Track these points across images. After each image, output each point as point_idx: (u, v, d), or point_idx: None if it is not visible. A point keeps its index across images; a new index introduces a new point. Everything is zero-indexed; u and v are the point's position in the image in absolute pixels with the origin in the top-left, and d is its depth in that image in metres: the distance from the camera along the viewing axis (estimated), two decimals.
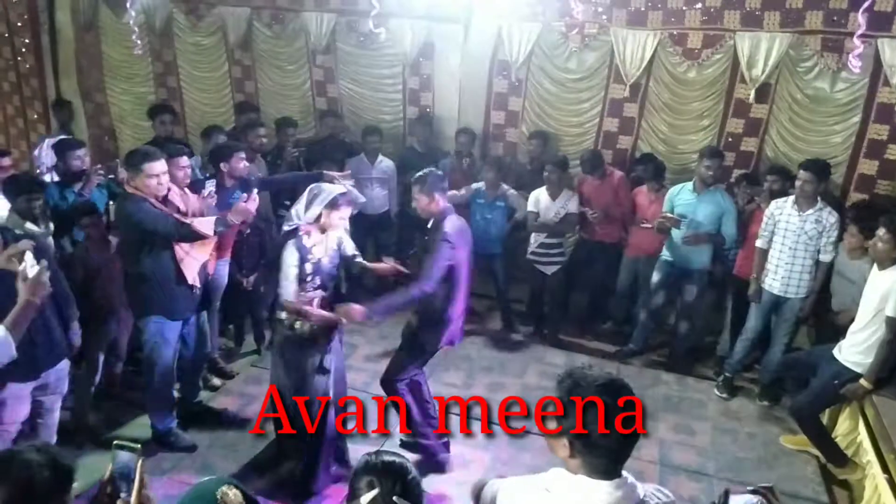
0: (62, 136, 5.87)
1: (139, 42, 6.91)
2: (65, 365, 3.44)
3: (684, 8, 5.31)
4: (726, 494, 1.84)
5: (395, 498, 1.62)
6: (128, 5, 6.54)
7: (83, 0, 7.18)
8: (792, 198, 4.61)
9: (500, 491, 1.76)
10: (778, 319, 4.81)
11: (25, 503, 1.62)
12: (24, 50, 7.60)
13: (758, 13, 5.12)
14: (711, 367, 5.39)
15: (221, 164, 4.50)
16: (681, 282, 5.22)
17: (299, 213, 3.51)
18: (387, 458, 1.72)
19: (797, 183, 4.55)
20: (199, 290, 4.01)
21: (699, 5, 5.26)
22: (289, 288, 3.45)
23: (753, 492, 1.82)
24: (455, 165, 5.91)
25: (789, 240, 4.60)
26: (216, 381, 4.85)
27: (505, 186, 5.60)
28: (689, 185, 5.08)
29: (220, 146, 4.79)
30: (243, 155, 4.58)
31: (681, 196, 5.09)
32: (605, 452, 1.58)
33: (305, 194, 3.54)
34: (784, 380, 4.83)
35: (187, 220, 3.76)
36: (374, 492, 1.62)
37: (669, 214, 4.98)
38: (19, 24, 7.49)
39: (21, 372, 3.07)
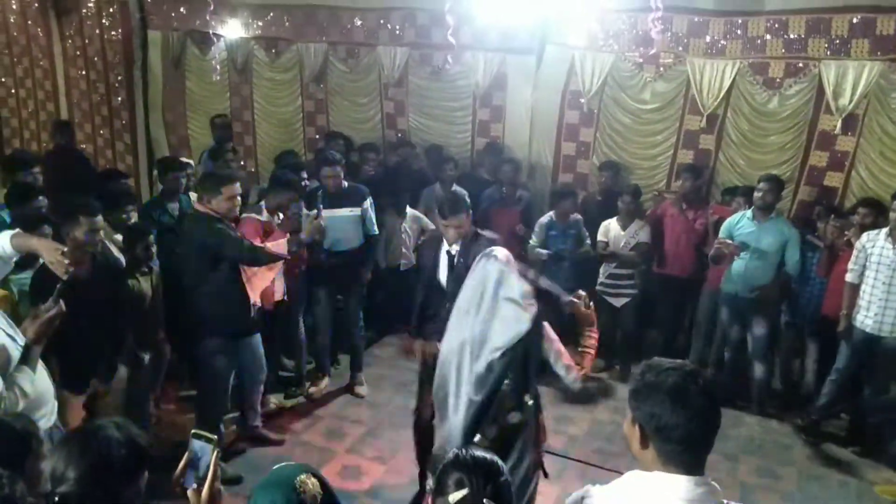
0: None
1: (219, 77, 7.21)
2: None
3: (767, 36, 5.15)
4: None
5: (485, 500, 1.54)
6: (214, 41, 6.86)
7: (172, 37, 7.60)
8: (885, 230, 4.36)
9: (585, 498, 1.67)
10: (871, 359, 4.49)
11: (101, 478, 1.60)
12: (116, 85, 8.07)
13: (845, 40, 4.92)
14: (796, 408, 5.04)
15: None
16: (747, 315, 4.95)
17: None
18: (478, 454, 1.64)
19: (892, 215, 4.31)
20: (255, 312, 4.01)
21: (782, 34, 5.10)
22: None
23: None
24: (496, 195, 5.80)
25: (882, 274, 4.33)
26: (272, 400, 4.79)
27: (576, 215, 5.47)
28: (749, 213, 4.88)
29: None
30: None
31: (740, 225, 4.87)
32: (678, 437, 1.47)
33: None
34: (878, 425, 4.49)
35: (260, 244, 3.85)
36: (464, 492, 1.55)
37: (727, 241, 4.78)
38: (115, 60, 7.97)
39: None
